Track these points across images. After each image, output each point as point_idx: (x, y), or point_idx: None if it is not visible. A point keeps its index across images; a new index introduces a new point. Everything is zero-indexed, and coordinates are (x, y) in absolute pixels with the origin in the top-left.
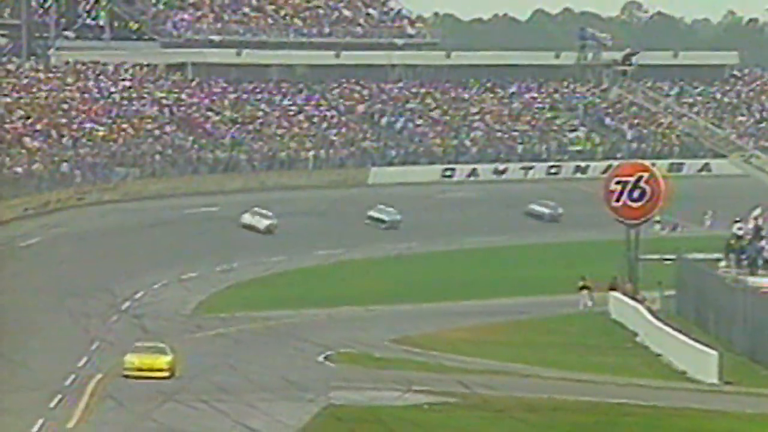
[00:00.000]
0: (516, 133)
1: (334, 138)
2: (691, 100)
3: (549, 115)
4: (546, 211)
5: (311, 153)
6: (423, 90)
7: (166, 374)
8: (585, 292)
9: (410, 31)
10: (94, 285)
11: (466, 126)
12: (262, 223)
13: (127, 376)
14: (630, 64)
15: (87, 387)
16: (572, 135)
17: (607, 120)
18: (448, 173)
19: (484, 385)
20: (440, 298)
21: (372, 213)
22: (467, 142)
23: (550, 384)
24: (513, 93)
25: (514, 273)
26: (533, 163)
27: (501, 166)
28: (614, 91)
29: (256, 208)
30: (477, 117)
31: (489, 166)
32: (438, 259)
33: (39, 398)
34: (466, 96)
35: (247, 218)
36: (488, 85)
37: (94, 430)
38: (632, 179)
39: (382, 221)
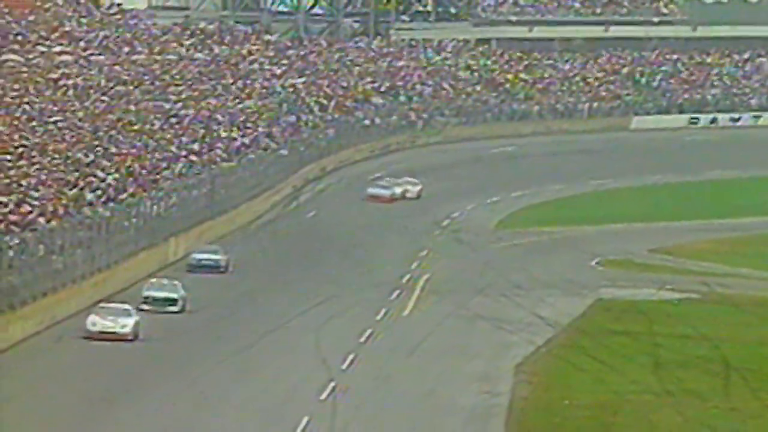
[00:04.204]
0: (748, 90)
1: (604, 93)
2: None
3: None
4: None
5: (586, 105)
6: (674, 56)
7: None
8: None
9: (664, 10)
10: (423, 207)
11: (708, 84)
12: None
13: None
14: None
15: (418, 284)
16: None
17: None
18: (693, 121)
19: (722, 285)
20: (690, 217)
21: (147, 293)
22: (709, 97)
23: None
24: (746, 59)
25: (747, 199)
26: (762, 113)
27: (736, 115)
28: None
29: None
30: (716, 77)
31: (726, 116)
32: (686, 188)
33: (383, 293)
34: (709, 60)
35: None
36: (726, 52)
37: (424, 317)
38: None
39: (171, 300)
